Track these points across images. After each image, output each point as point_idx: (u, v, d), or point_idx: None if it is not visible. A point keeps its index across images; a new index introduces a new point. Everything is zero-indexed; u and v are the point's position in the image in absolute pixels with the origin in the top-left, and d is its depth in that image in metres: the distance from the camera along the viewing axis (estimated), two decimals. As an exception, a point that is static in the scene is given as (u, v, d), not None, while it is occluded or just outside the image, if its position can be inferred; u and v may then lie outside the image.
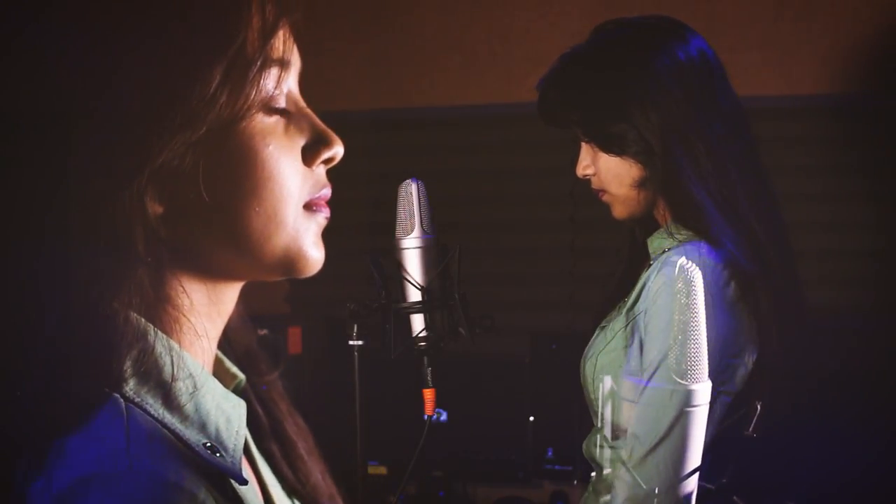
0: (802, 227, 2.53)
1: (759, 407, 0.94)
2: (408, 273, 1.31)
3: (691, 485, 0.92)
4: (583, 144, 1.68)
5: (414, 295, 1.29)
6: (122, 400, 0.70)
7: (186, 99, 0.72)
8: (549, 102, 1.66)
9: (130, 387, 0.71)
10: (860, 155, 2.64)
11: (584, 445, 1.70)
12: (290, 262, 0.81)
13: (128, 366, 0.71)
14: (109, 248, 0.70)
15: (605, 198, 1.67)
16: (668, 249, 1.56)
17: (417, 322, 1.29)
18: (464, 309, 1.27)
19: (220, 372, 0.89)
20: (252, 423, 0.91)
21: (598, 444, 1.64)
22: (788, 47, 2.64)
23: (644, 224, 1.70)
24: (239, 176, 0.76)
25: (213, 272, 0.79)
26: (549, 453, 2.74)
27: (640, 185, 1.61)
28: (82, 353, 0.70)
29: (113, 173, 0.70)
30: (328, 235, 0.85)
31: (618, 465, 1.48)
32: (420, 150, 3.00)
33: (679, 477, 0.89)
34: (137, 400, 0.70)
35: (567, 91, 1.63)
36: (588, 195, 1.71)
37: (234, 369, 0.90)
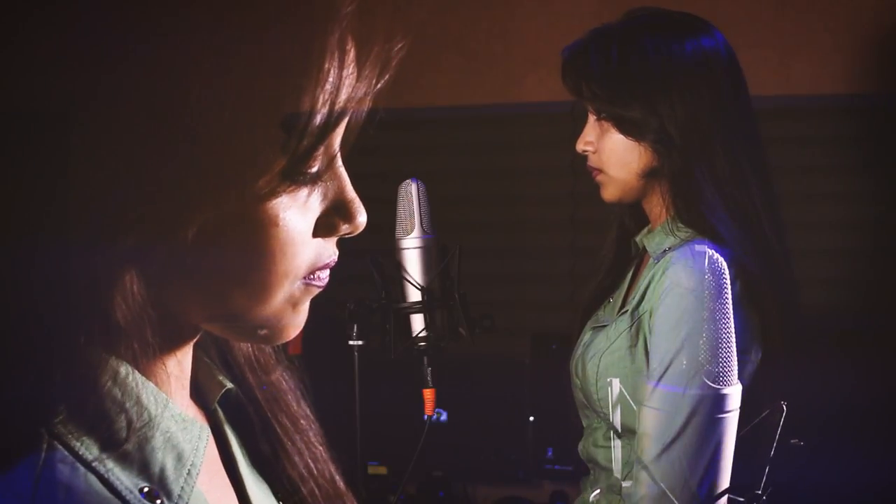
0: (804, 227, 2.53)
1: (784, 408, 0.91)
2: (407, 273, 1.31)
3: (714, 487, 0.88)
4: (590, 119, 1.66)
5: (414, 295, 1.28)
6: (46, 441, 0.63)
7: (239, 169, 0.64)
8: (575, 69, 1.64)
9: (62, 423, 0.64)
10: (863, 155, 2.63)
11: (580, 446, 1.69)
12: (264, 334, 0.74)
13: (63, 400, 0.64)
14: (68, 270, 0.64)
15: (600, 177, 1.65)
16: (671, 248, 1.54)
17: (417, 322, 1.28)
18: (464, 309, 1.27)
19: (206, 383, 0.84)
20: (242, 428, 0.87)
21: (598, 444, 1.63)
22: (788, 47, 2.63)
23: (636, 217, 1.69)
24: (240, 247, 0.68)
25: (183, 318, 0.72)
26: (549, 453, 2.74)
27: (647, 174, 1.60)
28: (10, 385, 0.64)
29: (110, 211, 0.64)
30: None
31: (630, 465, 1.47)
32: (420, 150, 3.00)
33: (698, 477, 0.86)
34: (67, 439, 0.64)
35: (594, 63, 1.61)
36: (588, 195, 1.70)
37: (222, 377, 0.84)
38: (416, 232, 1.32)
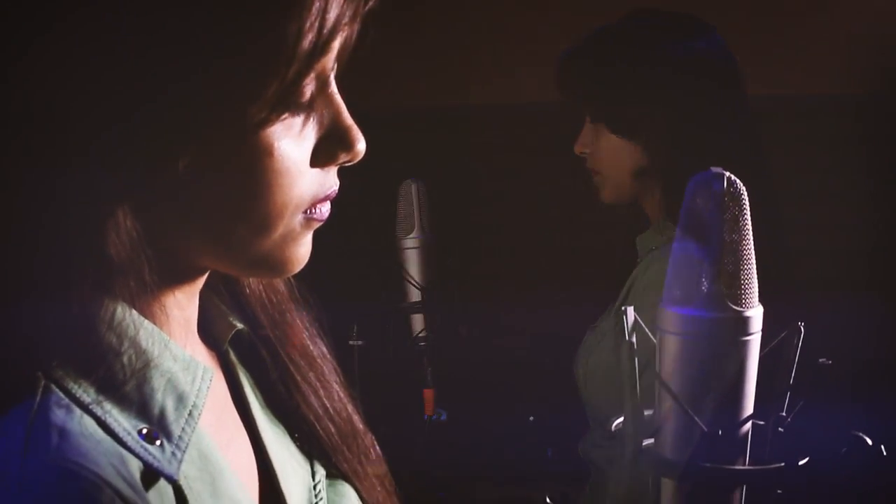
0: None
1: (801, 328, 0.90)
2: (408, 273, 1.31)
3: (737, 411, 0.87)
4: (587, 123, 1.67)
5: (414, 295, 1.28)
6: (42, 385, 0.63)
7: (232, 98, 0.64)
8: (568, 73, 1.64)
9: (58, 366, 0.64)
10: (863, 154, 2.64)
11: (580, 446, 1.69)
12: (269, 266, 0.73)
13: (59, 343, 0.64)
14: (69, 210, 0.63)
15: (597, 179, 1.67)
16: (655, 248, 1.55)
17: (417, 322, 1.28)
18: (464, 309, 1.26)
19: (216, 325, 0.82)
20: (255, 369, 0.85)
21: (595, 443, 1.63)
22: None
23: (638, 219, 1.70)
24: (235, 179, 0.68)
25: (184, 256, 0.72)
26: (549, 453, 2.73)
27: (638, 172, 1.60)
28: (5, 329, 0.64)
29: (99, 144, 0.63)
30: (327, 234, 0.78)
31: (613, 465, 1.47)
32: (420, 150, 2.99)
33: (719, 401, 0.85)
34: (64, 382, 0.64)
35: (588, 65, 1.62)
36: (591, 195, 1.71)
37: (232, 318, 0.83)
38: (416, 232, 1.32)
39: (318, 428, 0.86)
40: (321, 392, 0.87)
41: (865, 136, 2.63)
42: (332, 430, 0.87)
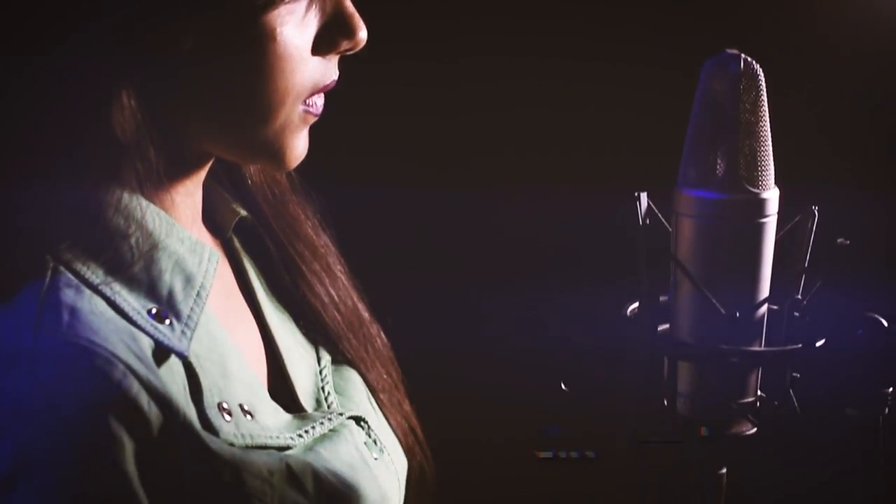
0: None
1: (815, 211, 0.90)
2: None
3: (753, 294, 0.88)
4: None
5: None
6: (51, 267, 0.65)
7: None
8: None
9: (67, 249, 0.65)
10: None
11: None
12: (269, 155, 0.75)
13: (67, 226, 0.66)
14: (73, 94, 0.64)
15: None
16: None
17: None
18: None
19: (220, 212, 0.84)
20: (260, 258, 0.87)
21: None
22: None
23: None
24: (238, 63, 0.69)
25: (187, 142, 0.73)
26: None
27: None
28: (13, 213, 0.65)
29: (103, 23, 0.64)
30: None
31: None
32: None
33: (735, 284, 0.85)
34: (73, 264, 0.65)
35: None
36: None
37: (235, 205, 0.85)
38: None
39: (324, 316, 0.88)
40: (326, 281, 0.89)
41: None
42: (338, 318, 0.89)
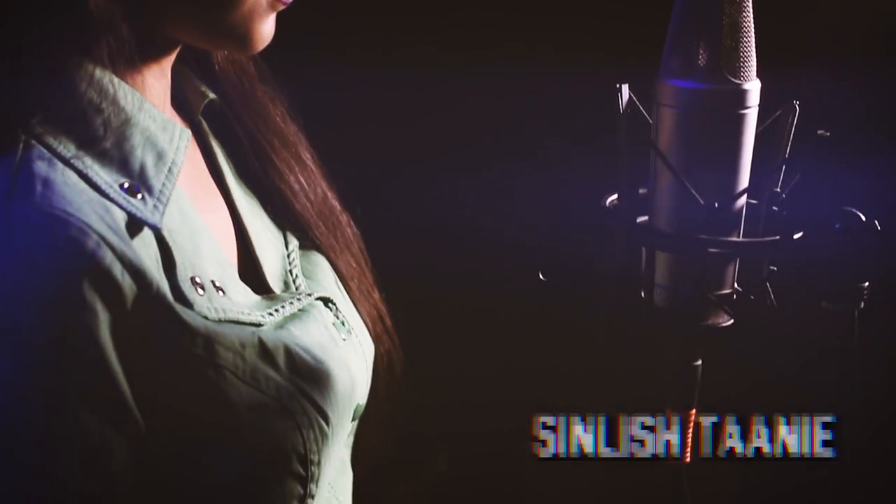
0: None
1: (797, 106, 0.90)
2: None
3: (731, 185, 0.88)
4: None
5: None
6: (23, 141, 0.65)
7: None
8: None
9: (38, 124, 0.65)
10: None
11: None
12: (234, 39, 0.75)
13: (39, 101, 0.65)
14: None
15: None
16: None
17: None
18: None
19: (188, 95, 0.84)
20: (229, 144, 0.88)
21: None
22: None
23: None
24: None
25: (156, 25, 0.73)
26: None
27: None
28: None
29: None
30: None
31: None
32: None
33: (716, 171, 0.85)
34: (45, 138, 0.65)
35: None
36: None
37: (204, 88, 0.85)
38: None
39: (294, 203, 0.89)
40: (296, 169, 0.90)
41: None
42: (308, 206, 0.90)
